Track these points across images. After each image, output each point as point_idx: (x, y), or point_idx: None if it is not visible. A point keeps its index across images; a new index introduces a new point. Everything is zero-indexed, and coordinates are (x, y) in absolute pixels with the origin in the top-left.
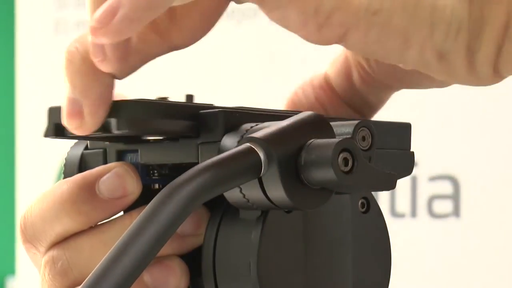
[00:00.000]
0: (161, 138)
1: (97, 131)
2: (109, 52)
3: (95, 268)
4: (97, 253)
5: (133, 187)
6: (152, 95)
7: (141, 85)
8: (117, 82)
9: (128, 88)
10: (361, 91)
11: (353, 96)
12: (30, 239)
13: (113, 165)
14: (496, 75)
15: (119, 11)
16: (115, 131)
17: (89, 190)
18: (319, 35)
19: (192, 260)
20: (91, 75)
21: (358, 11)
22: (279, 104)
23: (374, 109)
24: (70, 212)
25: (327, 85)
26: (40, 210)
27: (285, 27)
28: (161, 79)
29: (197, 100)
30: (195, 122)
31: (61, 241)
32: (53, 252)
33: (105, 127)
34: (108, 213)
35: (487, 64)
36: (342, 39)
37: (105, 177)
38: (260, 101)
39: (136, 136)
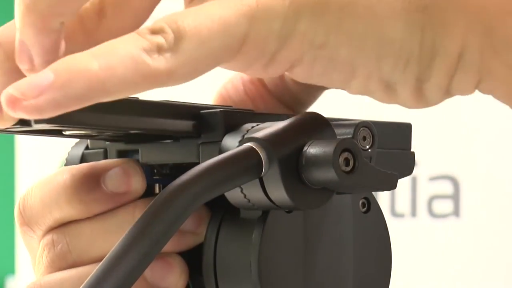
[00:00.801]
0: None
1: (17, 124)
2: (37, 58)
3: (96, 267)
4: (97, 239)
5: (137, 185)
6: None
7: None
8: None
9: None
10: (292, 88)
11: (284, 92)
12: (28, 222)
13: (121, 161)
14: (446, 97)
15: (47, 91)
16: (34, 125)
17: (94, 181)
18: (265, 73)
19: (192, 258)
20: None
21: (302, 46)
22: None
23: (306, 105)
24: (71, 200)
25: (257, 79)
26: (41, 194)
27: (231, 69)
28: None
29: (197, 100)
30: (114, 115)
31: (61, 225)
32: (53, 236)
33: (23, 120)
34: (109, 207)
35: (437, 91)
36: (288, 71)
37: (111, 171)
38: None
39: (61, 130)
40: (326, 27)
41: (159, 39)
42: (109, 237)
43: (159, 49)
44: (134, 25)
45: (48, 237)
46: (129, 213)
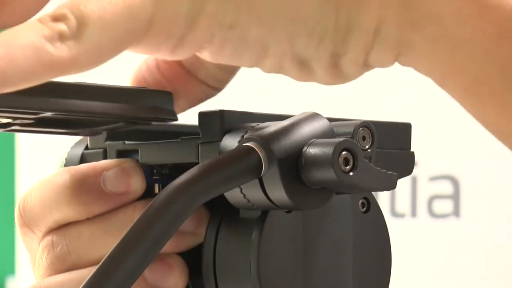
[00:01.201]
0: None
1: None
2: None
3: (96, 268)
4: (97, 240)
5: (137, 185)
6: None
7: None
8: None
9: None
10: (208, 66)
11: (201, 70)
12: (28, 223)
13: (120, 161)
14: (364, 70)
15: None
16: None
17: (93, 181)
18: (174, 56)
19: (192, 258)
20: None
21: (211, 28)
22: (278, 104)
23: (224, 82)
24: (71, 201)
25: None
26: (41, 195)
27: (138, 53)
28: None
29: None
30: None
31: (61, 227)
32: (53, 237)
33: None
34: (108, 207)
35: (354, 66)
36: (198, 53)
37: (111, 171)
38: (261, 102)
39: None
40: (235, 6)
41: (61, 27)
42: (109, 238)
43: (61, 37)
44: (38, 5)
45: (48, 239)
46: (128, 214)
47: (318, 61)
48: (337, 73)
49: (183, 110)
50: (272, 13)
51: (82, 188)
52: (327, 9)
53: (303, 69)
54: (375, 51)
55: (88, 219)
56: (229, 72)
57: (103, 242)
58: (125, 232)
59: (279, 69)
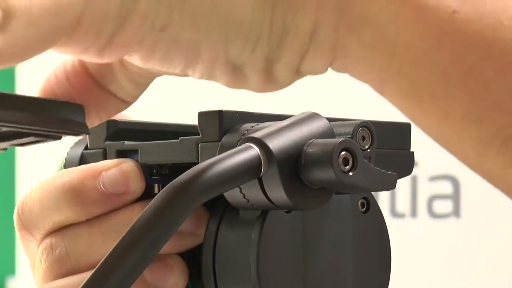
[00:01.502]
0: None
1: None
2: None
3: (95, 268)
4: (96, 242)
5: (136, 185)
6: (152, 95)
7: None
8: None
9: None
10: (121, 78)
11: (112, 83)
12: (27, 226)
13: (120, 161)
14: (296, 78)
15: None
16: None
17: (91, 183)
18: (101, 58)
19: (192, 258)
20: None
21: (142, 28)
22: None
23: (135, 97)
24: (70, 202)
25: (82, 68)
26: (40, 197)
27: (65, 53)
28: (161, 80)
29: (197, 100)
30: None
31: (60, 229)
32: (51, 239)
33: None
34: (107, 208)
35: (287, 72)
36: (127, 56)
37: (109, 171)
38: (260, 102)
39: None
40: (168, 7)
41: None
42: (108, 240)
43: None
44: None
45: (47, 241)
46: (127, 215)
47: (251, 66)
48: (270, 79)
49: (93, 124)
50: (206, 15)
51: (81, 189)
52: (263, 12)
53: (235, 75)
54: (310, 56)
55: (87, 220)
56: (141, 86)
57: (102, 244)
58: (123, 234)
59: (210, 75)
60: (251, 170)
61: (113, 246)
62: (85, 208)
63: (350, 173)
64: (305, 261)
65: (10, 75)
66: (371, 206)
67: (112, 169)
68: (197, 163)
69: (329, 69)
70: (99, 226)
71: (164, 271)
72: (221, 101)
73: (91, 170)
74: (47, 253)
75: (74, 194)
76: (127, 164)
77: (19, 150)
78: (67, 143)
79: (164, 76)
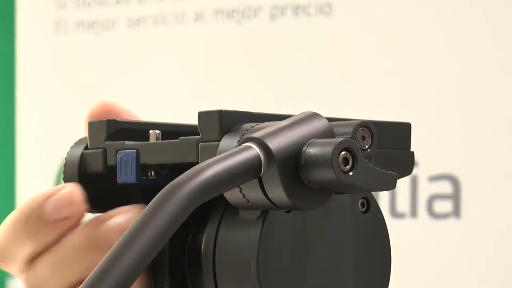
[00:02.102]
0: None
1: None
2: None
3: (94, 268)
4: (57, 269)
5: (76, 210)
6: (152, 95)
7: (141, 86)
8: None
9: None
10: None
11: None
12: (5, 260)
13: (62, 186)
14: None
15: None
16: None
17: (36, 212)
18: None
19: (191, 258)
20: None
21: None
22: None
23: None
24: (22, 234)
25: None
26: (4, 234)
27: None
28: (161, 80)
29: (197, 100)
30: None
31: (29, 262)
32: (24, 275)
33: None
34: (57, 234)
35: None
36: None
37: (50, 199)
38: (260, 102)
39: None
40: None
41: None
42: (66, 266)
43: None
44: None
45: (22, 277)
46: (78, 240)
47: None
48: None
49: None
50: None
51: (29, 219)
52: None
53: None
54: None
55: (46, 249)
56: None
57: (63, 270)
58: (82, 256)
59: None
60: (251, 170)
61: (75, 271)
62: (35, 237)
63: (350, 173)
64: (305, 261)
65: (10, 75)
66: (371, 206)
67: (52, 197)
68: (197, 163)
69: (329, 69)
70: (57, 253)
71: None
72: (221, 101)
73: (36, 200)
74: None
75: (23, 225)
76: (68, 189)
77: (19, 151)
78: (67, 143)
79: (164, 76)
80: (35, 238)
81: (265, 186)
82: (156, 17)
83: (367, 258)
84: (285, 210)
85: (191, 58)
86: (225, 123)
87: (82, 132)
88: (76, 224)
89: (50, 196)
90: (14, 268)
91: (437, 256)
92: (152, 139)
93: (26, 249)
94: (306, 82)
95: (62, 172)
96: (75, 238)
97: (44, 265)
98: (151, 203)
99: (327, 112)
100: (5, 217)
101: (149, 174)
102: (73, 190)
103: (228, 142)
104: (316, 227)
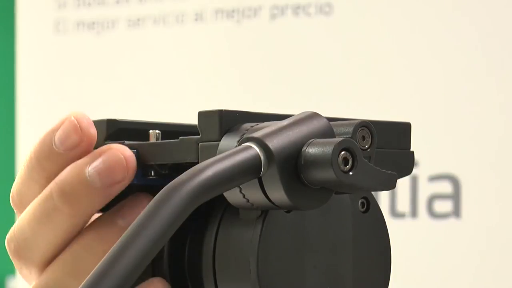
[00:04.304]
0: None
1: None
2: None
3: (94, 268)
4: (72, 274)
5: (85, 136)
6: (152, 95)
7: (141, 86)
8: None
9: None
10: None
11: None
12: (20, 204)
13: (66, 116)
14: None
15: None
16: None
17: (47, 147)
18: None
19: (192, 258)
20: None
21: None
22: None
23: None
24: (37, 172)
25: None
26: (20, 177)
27: None
28: (161, 80)
29: (196, 100)
30: None
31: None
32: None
33: None
34: (63, 162)
35: None
36: None
37: (57, 131)
38: (260, 102)
39: None
40: None
41: None
42: (80, 268)
43: None
44: None
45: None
46: (66, 260)
47: None
48: None
49: None
50: None
51: (40, 156)
52: None
53: None
54: None
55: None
56: None
57: (78, 274)
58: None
59: None
60: (251, 170)
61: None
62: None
63: (350, 173)
64: (305, 261)
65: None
66: (371, 206)
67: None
68: (197, 162)
69: (329, 69)
70: (66, 256)
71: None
72: (221, 101)
73: (44, 135)
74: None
75: (35, 157)
76: (71, 117)
77: (19, 151)
78: None
79: (164, 76)
80: (50, 173)
81: (265, 186)
82: (156, 17)
83: (367, 258)
84: (285, 210)
85: (191, 58)
86: (225, 123)
87: None
88: (88, 150)
89: (56, 129)
90: (32, 270)
91: (437, 256)
92: (152, 139)
93: (41, 188)
94: (306, 82)
95: None
96: (83, 241)
97: (58, 269)
98: (151, 203)
99: (327, 112)
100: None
101: (149, 174)
102: (78, 117)
103: (228, 142)
104: (316, 227)
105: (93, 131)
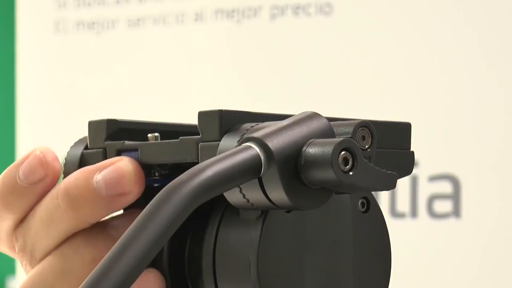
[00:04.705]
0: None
1: None
2: None
3: (95, 268)
4: (44, 230)
5: (50, 169)
6: (152, 95)
7: (141, 85)
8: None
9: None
10: None
11: None
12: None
13: (31, 151)
14: None
15: None
16: None
17: (10, 181)
18: None
19: (192, 258)
20: None
21: None
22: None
23: None
24: (1, 208)
25: None
26: (38, 213)
27: None
28: (161, 80)
29: (196, 100)
30: None
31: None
32: (12, 250)
33: None
34: (35, 198)
35: None
36: None
37: (22, 165)
38: (260, 102)
39: None
40: None
41: None
42: (52, 223)
43: None
44: None
45: (9, 251)
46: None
47: None
48: None
49: None
50: None
51: (4, 191)
52: None
53: None
54: None
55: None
56: None
57: (49, 230)
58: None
59: None
60: (251, 170)
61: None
62: (13, 206)
63: (350, 173)
64: (305, 261)
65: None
66: (371, 206)
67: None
68: (197, 162)
69: (329, 69)
70: (37, 214)
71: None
72: (221, 101)
73: (9, 170)
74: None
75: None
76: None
77: (19, 150)
78: (67, 143)
79: (164, 76)
80: (15, 207)
81: (265, 186)
82: (156, 17)
83: (367, 258)
84: (285, 210)
85: (191, 58)
86: (225, 123)
87: (82, 131)
88: (52, 184)
89: (21, 163)
90: (2, 246)
91: (437, 256)
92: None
93: (8, 222)
94: (306, 82)
95: (62, 172)
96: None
97: (46, 267)
98: (151, 203)
99: (327, 112)
100: None
101: (149, 174)
102: (43, 151)
103: (228, 142)
104: (316, 227)
105: (58, 165)
